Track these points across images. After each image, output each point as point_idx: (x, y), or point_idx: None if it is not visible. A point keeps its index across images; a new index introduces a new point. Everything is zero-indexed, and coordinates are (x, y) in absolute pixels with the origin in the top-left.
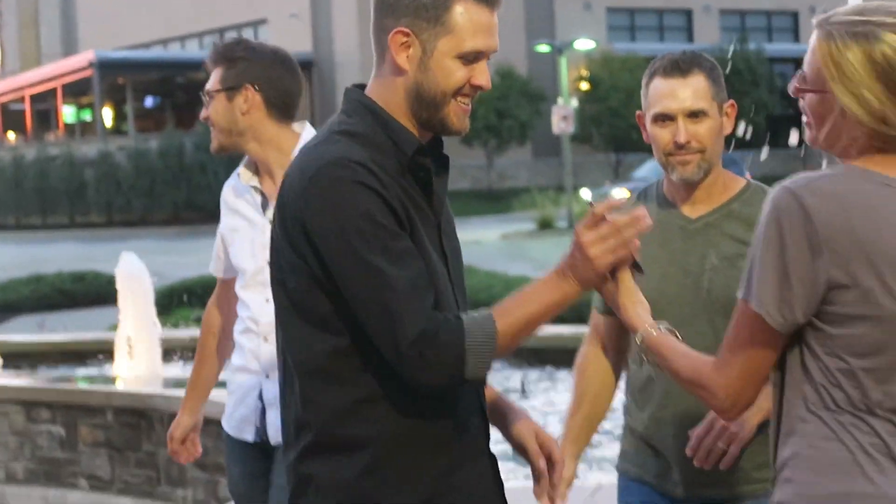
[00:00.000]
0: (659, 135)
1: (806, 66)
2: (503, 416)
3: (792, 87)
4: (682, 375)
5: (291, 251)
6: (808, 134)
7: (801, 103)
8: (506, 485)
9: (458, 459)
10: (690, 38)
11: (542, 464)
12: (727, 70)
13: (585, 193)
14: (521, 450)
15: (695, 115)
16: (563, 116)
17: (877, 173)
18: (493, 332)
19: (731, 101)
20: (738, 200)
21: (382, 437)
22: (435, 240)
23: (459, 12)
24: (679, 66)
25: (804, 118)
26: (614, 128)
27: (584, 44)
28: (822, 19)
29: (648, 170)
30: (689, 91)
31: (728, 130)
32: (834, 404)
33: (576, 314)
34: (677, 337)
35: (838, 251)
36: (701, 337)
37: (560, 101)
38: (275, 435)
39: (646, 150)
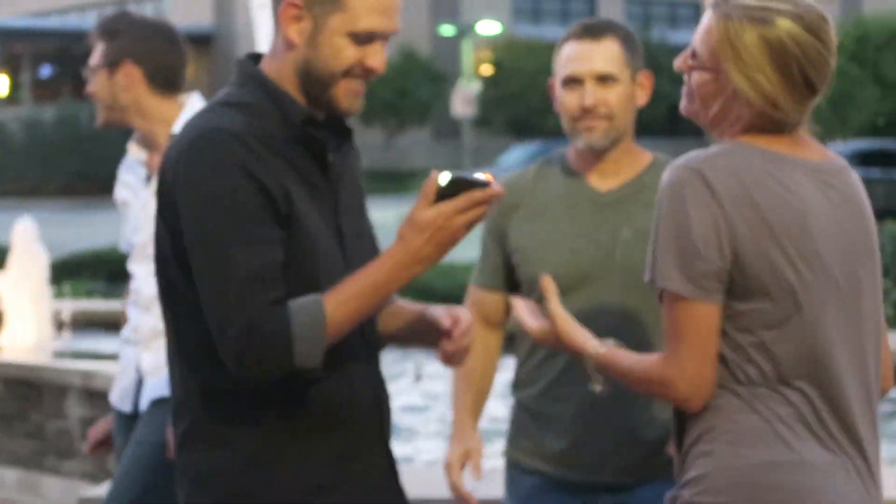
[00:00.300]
0: (566, 99)
1: (698, 45)
2: (417, 319)
3: (680, 62)
4: (636, 380)
5: (165, 226)
6: (686, 107)
7: (687, 79)
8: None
9: (348, 450)
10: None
11: (447, 321)
12: None
13: (442, 176)
14: (433, 324)
15: (604, 79)
16: (464, 99)
17: (765, 149)
18: (321, 319)
19: (647, 72)
20: (649, 173)
21: (263, 425)
22: (329, 217)
23: None
24: (591, 30)
25: (684, 92)
26: (515, 112)
27: (487, 27)
28: (718, 1)
29: (515, 158)
30: (600, 54)
31: (641, 102)
32: (746, 379)
33: None
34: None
35: (742, 225)
36: (612, 314)
37: (461, 83)
38: (144, 404)
39: (545, 135)
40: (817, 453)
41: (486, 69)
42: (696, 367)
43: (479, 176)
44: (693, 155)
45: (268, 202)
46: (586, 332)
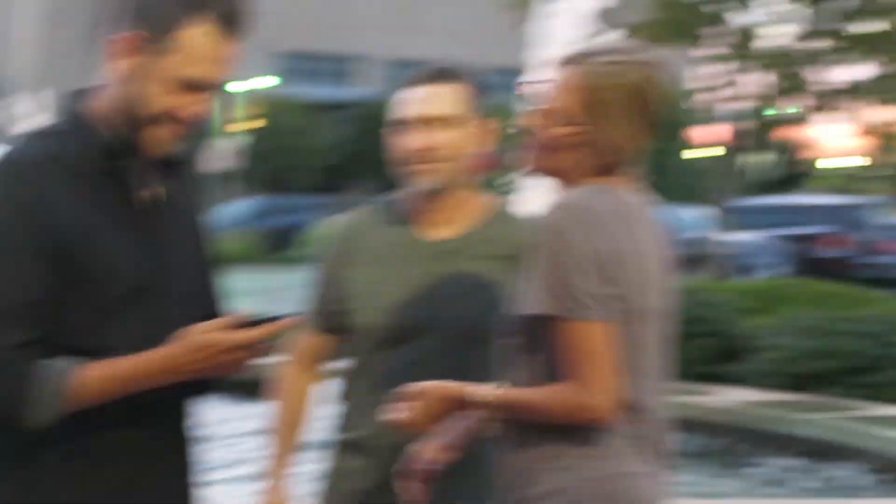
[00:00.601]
0: (398, 142)
1: (560, 101)
2: None
3: (531, 120)
4: (549, 411)
5: None
6: (536, 162)
7: (536, 135)
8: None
9: (125, 480)
10: (352, 85)
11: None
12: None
13: (245, 315)
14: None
15: (437, 122)
16: (224, 154)
17: (623, 191)
18: (63, 389)
19: (491, 121)
20: (493, 225)
21: (28, 454)
22: (141, 248)
23: (187, 33)
24: (431, 75)
25: (533, 147)
26: (270, 169)
27: (248, 84)
28: (575, 57)
29: (232, 212)
30: (435, 97)
31: (482, 149)
32: None
33: None
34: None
35: (624, 256)
36: (441, 368)
37: (220, 138)
38: None
39: (296, 190)
40: (647, 465)
41: (246, 125)
42: (610, 385)
43: (280, 317)
44: (571, 197)
45: (38, 238)
46: (463, 385)
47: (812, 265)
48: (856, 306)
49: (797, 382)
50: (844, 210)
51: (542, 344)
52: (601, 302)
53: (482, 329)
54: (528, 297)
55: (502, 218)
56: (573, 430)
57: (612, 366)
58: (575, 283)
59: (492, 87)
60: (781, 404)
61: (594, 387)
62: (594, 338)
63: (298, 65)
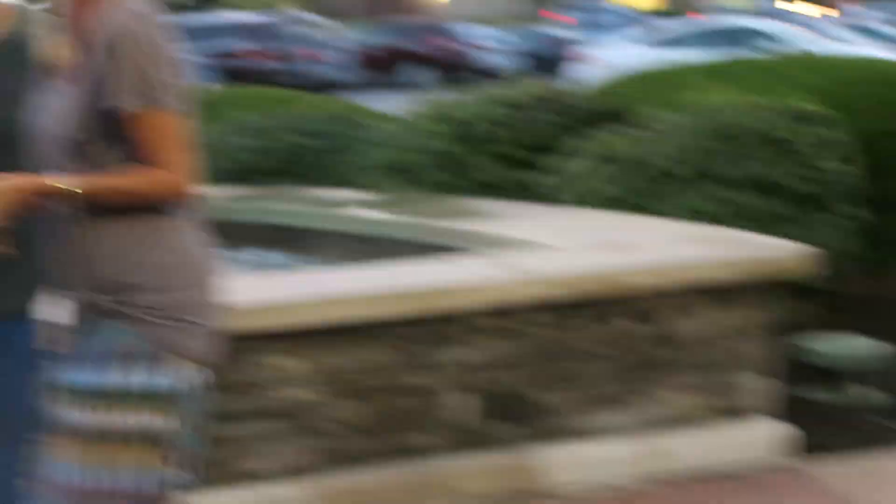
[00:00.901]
0: None
1: None
2: None
3: None
4: (143, 192)
5: None
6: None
7: None
8: None
9: None
10: None
11: None
12: None
13: None
14: None
15: None
16: None
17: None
18: None
19: None
20: (10, 29)
21: None
22: None
23: None
24: None
25: None
26: None
27: None
28: None
29: None
30: None
31: None
32: None
33: None
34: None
35: (177, 56)
36: None
37: None
38: None
39: None
40: (206, 236)
41: None
42: (190, 164)
43: None
44: (132, 4)
45: None
46: (38, 175)
47: (239, 77)
48: (287, 106)
49: (245, 178)
50: (262, 26)
51: (114, 135)
52: (176, 93)
53: (13, 130)
54: (106, 92)
55: (19, 24)
56: (157, 210)
57: (188, 149)
58: (158, 77)
59: None
60: (243, 197)
61: (180, 168)
62: (175, 125)
63: None
